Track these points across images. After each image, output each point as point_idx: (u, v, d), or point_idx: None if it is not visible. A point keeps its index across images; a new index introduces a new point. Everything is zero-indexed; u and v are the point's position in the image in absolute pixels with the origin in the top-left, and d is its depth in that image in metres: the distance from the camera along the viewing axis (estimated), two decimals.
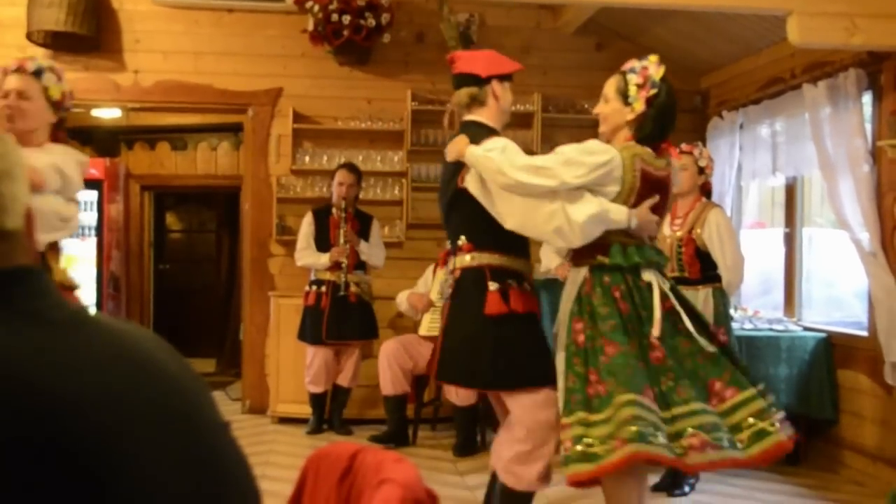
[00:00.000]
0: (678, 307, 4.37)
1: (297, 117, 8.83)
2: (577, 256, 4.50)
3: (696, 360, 4.29)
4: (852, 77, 6.58)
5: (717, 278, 6.40)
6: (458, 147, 4.55)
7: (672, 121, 4.50)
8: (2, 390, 1.07)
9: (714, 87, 9.08)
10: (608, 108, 4.56)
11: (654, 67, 4.50)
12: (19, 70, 4.28)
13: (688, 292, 6.33)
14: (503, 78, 4.82)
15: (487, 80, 4.77)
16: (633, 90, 4.45)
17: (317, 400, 8.18)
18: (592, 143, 4.39)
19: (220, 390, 10.27)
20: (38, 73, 4.28)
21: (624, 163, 4.31)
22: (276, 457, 7.07)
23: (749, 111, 8.18)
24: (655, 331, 4.26)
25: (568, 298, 4.52)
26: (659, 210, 4.40)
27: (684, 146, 6.51)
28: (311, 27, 8.52)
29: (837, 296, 8.13)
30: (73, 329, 1.21)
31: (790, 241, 7.91)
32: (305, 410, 8.26)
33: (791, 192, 7.95)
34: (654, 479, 6.59)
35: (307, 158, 8.87)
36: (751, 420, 4.21)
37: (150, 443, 1.16)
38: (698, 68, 9.12)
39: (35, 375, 1.10)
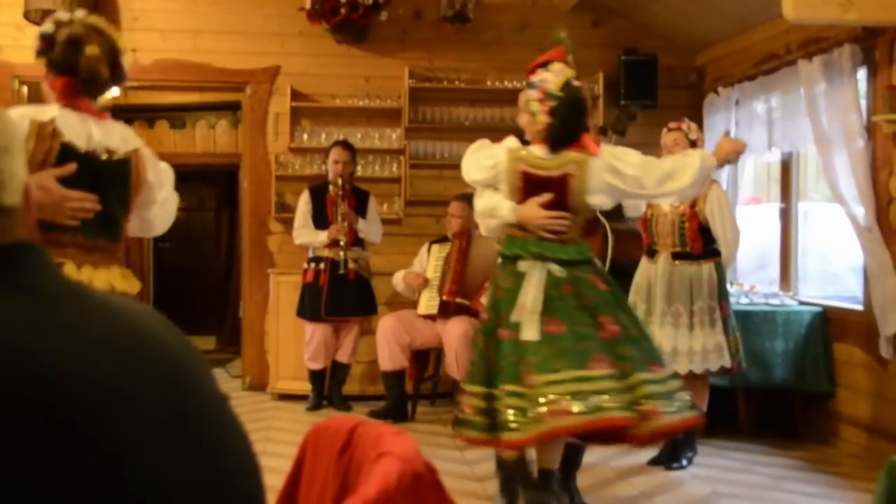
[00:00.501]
0: (572, 294, 4.75)
1: (295, 95, 8.85)
2: None
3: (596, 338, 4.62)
4: (847, 52, 6.60)
5: (717, 252, 6.46)
6: None
7: (578, 122, 4.90)
8: (0, 360, 1.08)
9: (710, 64, 9.09)
10: (522, 120, 5.01)
11: (553, 79, 4.83)
12: None
13: (691, 267, 6.42)
14: None
15: None
16: (534, 106, 4.85)
17: (316, 376, 8.23)
18: (486, 150, 4.99)
19: (220, 367, 10.32)
20: None
21: (507, 166, 4.83)
22: (276, 433, 7.12)
23: (745, 87, 8.19)
24: (514, 315, 4.65)
25: None
26: (555, 206, 4.78)
27: (672, 123, 6.56)
28: (308, 5, 8.54)
29: (833, 270, 8.16)
30: (71, 303, 1.22)
31: (786, 216, 7.94)
32: (305, 387, 8.31)
33: (786, 167, 7.98)
34: (651, 452, 6.66)
35: (305, 136, 8.90)
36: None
37: (148, 415, 1.17)
38: (694, 45, 9.13)
39: (34, 346, 1.10)
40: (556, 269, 4.76)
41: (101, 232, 3.80)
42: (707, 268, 6.45)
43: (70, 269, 3.62)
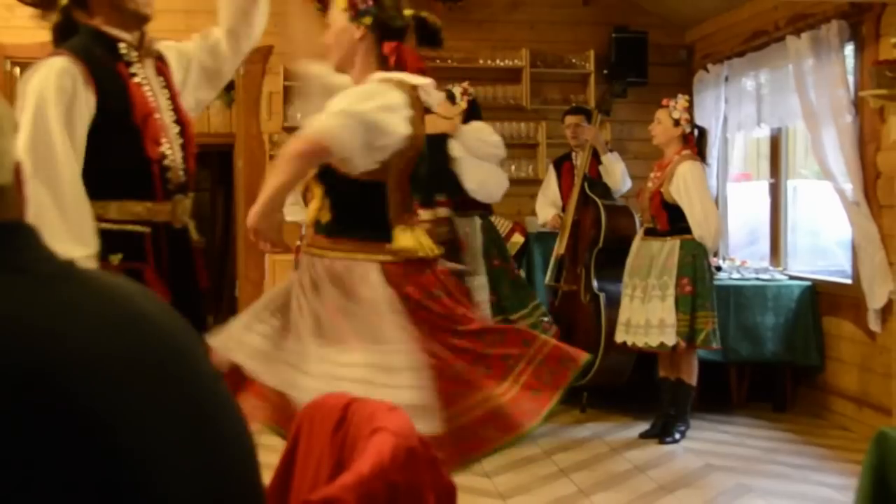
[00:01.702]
0: None
1: (289, 75, 8.86)
2: None
3: None
4: (834, 28, 6.63)
5: (688, 230, 6.42)
6: None
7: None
8: None
9: (699, 41, 9.12)
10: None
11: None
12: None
13: (655, 243, 6.47)
14: None
15: None
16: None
17: None
18: None
19: None
20: None
21: None
22: None
23: (734, 64, 8.23)
24: None
25: None
26: None
27: (663, 100, 6.61)
28: None
29: (822, 245, 8.23)
30: (64, 282, 1.20)
31: (775, 191, 7.98)
32: None
33: (776, 143, 8.01)
34: (643, 426, 6.74)
35: (299, 116, 8.91)
36: None
37: (144, 392, 1.16)
38: (683, 22, 9.15)
39: (28, 324, 1.10)
40: None
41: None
42: (670, 245, 6.45)
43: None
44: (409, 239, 3.33)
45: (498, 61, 8.93)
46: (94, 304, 1.21)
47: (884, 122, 6.37)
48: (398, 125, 3.26)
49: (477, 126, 6.61)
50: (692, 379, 6.55)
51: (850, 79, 6.68)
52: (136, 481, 1.09)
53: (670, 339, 6.32)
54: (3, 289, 1.13)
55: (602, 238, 7.28)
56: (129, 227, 3.14)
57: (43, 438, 1.03)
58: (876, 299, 6.39)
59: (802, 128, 7.37)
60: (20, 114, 2.96)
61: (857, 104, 6.60)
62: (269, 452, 2.00)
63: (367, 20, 3.43)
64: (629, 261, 6.68)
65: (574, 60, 9.13)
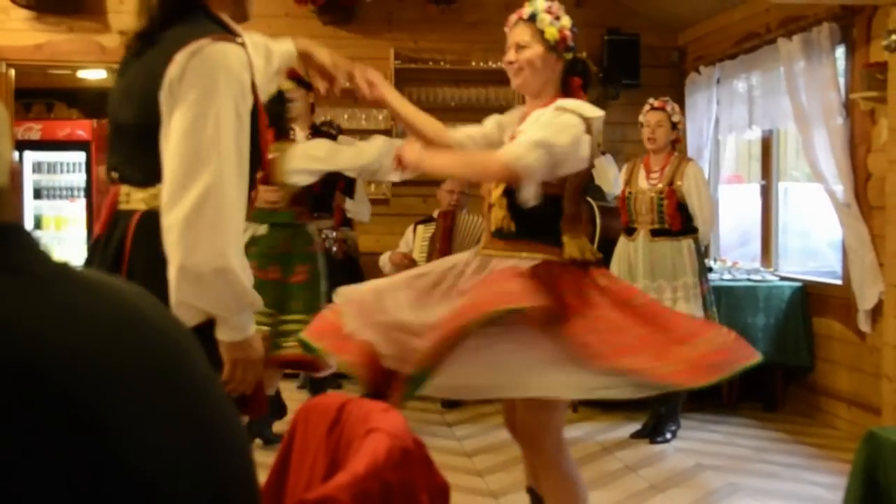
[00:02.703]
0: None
1: (288, 71, 8.90)
2: None
3: None
4: (826, 31, 6.67)
5: (695, 229, 6.54)
6: None
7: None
8: None
9: (691, 43, 9.16)
10: None
11: None
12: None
13: (670, 243, 6.49)
14: None
15: None
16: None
17: None
18: None
19: None
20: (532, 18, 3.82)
21: None
22: None
23: (725, 66, 8.25)
24: None
25: None
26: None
27: (656, 102, 6.62)
28: None
29: (812, 246, 8.28)
30: (60, 283, 1.20)
31: (766, 193, 8.02)
32: None
33: (767, 145, 8.05)
34: (635, 426, 6.77)
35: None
36: None
37: (140, 391, 1.16)
38: (676, 24, 9.19)
39: (26, 325, 1.10)
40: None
41: None
42: (686, 244, 6.53)
43: None
44: (575, 247, 3.71)
45: (490, 63, 8.95)
46: (91, 304, 1.21)
47: (874, 124, 6.41)
48: (582, 156, 3.68)
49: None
50: None
51: (841, 81, 6.71)
52: (131, 480, 1.09)
53: None
54: (0, 290, 1.13)
55: (596, 239, 7.31)
56: None
57: (38, 439, 1.03)
58: (866, 300, 6.43)
59: (793, 130, 7.41)
60: (193, 99, 2.53)
61: (848, 106, 6.63)
62: (265, 452, 2.02)
63: (569, 55, 3.81)
64: (637, 263, 6.68)
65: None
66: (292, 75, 5.85)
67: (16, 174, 1.27)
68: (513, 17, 3.85)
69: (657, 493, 5.50)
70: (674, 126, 6.55)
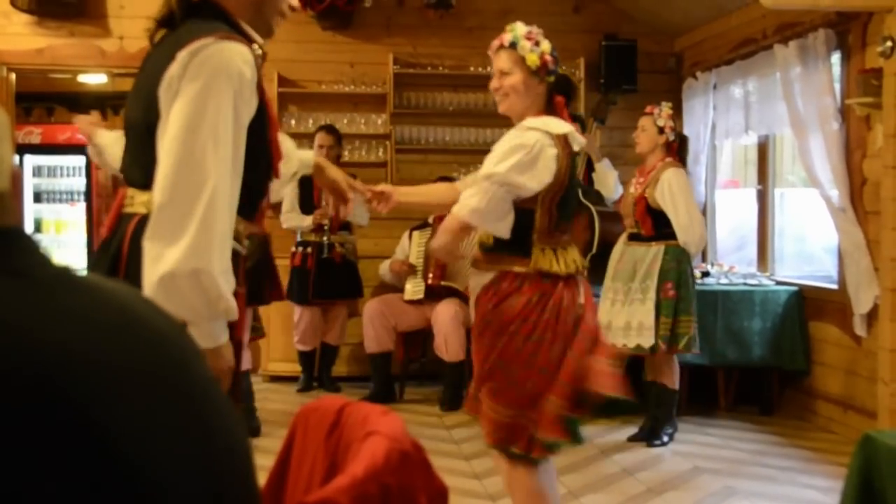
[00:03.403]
0: None
1: (282, 81, 8.94)
2: None
3: None
4: (821, 37, 6.70)
5: (673, 236, 6.48)
6: None
7: None
8: None
9: (688, 49, 9.19)
10: None
11: None
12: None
13: (640, 248, 6.53)
14: None
15: None
16: None
17: (306, 358, 8.35)
18: None
19: None
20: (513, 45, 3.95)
21: None
22: (268, 414, 7.15)
23: (722, 72, 8.30)
24: None
25: None
26: None
27: (649, 108, 6.67)
28: None
29: (808, 251, 8.30)
30: (62, 286, 1.20)
31: (763, 198, 8.04)
32: (295, 368, 8.42)
33: (763, 150, 8.08)
34: (632, 429, 6.80)
35: (293, 122, 8.97)
36: None
37: (141, 395, 1.16)
38: (672, 30, 9.23)
39: (27, 327, 1.10)
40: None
41: None
42: (655, 250, 6.51)
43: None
44: (545, 259, 3.84)
45: (488, 68, 8.92)
46: (92, 308, 1.21)
47: (870, 129, 6.44)
48: (543, 171, 3.79)
49: None
50: (674, 383, 6.61)
51: (837, 87, 6.74)
52: (130, 483, 1.09)
53: (647, 342, 6.39)
54: (1, 293, 1.13)
55: (595, 244, 7.34)
56: (233, 246, 2.72)
57: (37, 441, 1.03)
58: (862, 304, 6.46)
59: (790, 135, 7.42)
60: (190, 97, 2.51)
61: (844, 112, 6.66)
62: (265, 454, 2.01)
63: (551, 78, 3.96)
64: (611, 265, 6.73)
65: (564, 68, 9.16)
66: None
67: (16, 178, 1.27)
68: (495, 44, 4.00)
69: (654, 496, 5.52)
70: (660, 130, 6.56)
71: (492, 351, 3.86)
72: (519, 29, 3.95)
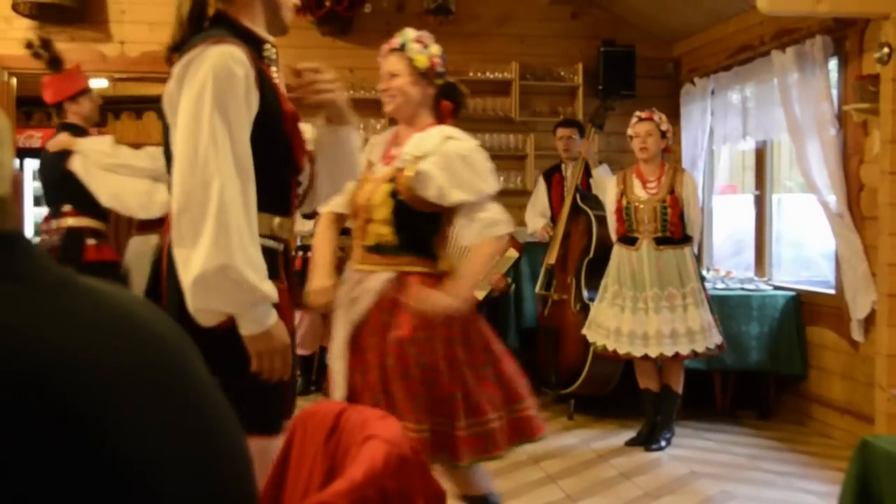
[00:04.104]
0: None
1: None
2: None
3: None
4: (819, 43, 6.71)
5: (690, 237, 6.63)
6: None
7: None
8: None
9: (686, 55, 9.22)
10: None
11: None
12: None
13: (674, 251, 6.54)
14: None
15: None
16: None
17: (305, 362, 8.37)
18: None
19: None
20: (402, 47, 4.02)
21: None
22: None
23: (720, 77, 8.32)
24: None
25: None
26: None
27: (643, 114, 6.68)
28: None
29: (806, 256, 8.31)
30: (63, 291, 1.20)
31: (760, 203, 8.06)
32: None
33: (761, 155, 8.10)
34: (630, 433, 6.82)
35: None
36: None
37: (141, 399, 1.16)
38: (670, 36, 9.26)
39: (28, 332, 1.10)
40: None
41: None
42: (688, 251, 6.61)
43: None
44: (446, 263, 4.03)
45: (488, 74, 9.03)
46: (91, 311, 1.21)
47: (867, 135, 6.46)
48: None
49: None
50: (680, 387, 6.65)
51: (834, 93, 6.76)
52: (129, 486, 1.09)
53: (715, 340, 6.59)
54: (3, 297, 1.13)
55: (593, 248, 7.37)
56: (267, 243, 2.81)
57: (39, 446, 1.02)
58: (859, 309, 6.47)
59: (787, 141, 7.43)
60: (186, 105, 2.64)
61: (841, 118, 6.68)
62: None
63: (440, 81, 4.07)
64: (622, 271, 6.72)
65: (563, 73, 9.23)
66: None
67: (17, 183, 1.28)
68: (385, 48, 4.06)
69: (652, 500, 5.54)
70: (663, 135, 6.60)
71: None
72: (408, 33, 4.05)
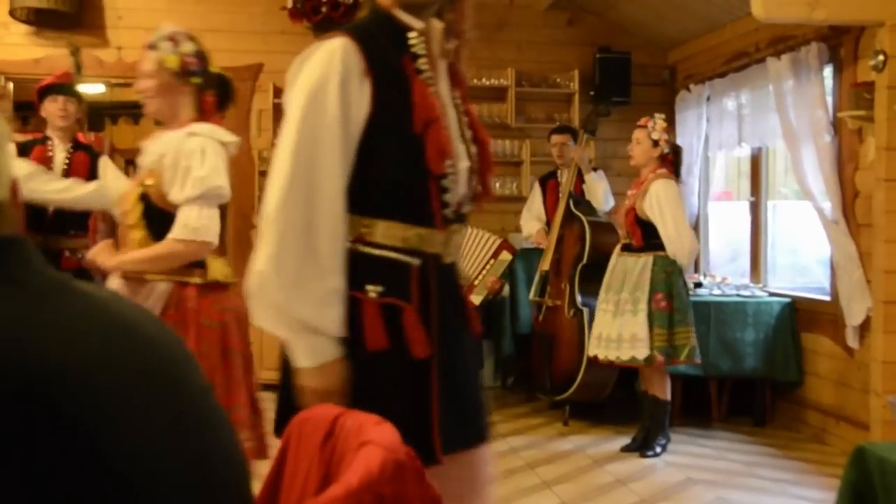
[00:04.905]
0: None
1: (278, 92, 8.91)
2: None
3: None
4: (814, 50, 6.74)
5: (661, 246, 6.50)
6: None
7: None
8: None
9: (681, 62, 9.24)
10: None
11: None
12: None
13: (631, 259, 6.56)
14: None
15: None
16: None
17: None
18: None
19: None
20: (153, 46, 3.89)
21: None
22: None
23: (715, 84, 8.33)
24: None
25: None
26: None
27: (642, 120, 6.69)
28: (290, 4, 8.64)
29: (801, 262, 8.32)
30: (59, 296, 1.20)
31: (755, 210, 8.08)
32: None
33: (756, 162, 8.11)
34: (625, 440, 6.82)
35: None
36: None
37: (134, 407, 1.16)
38: (666, 43, 9.28)
39: (23, 337, 1.10)
40: None
41: None
42: (644, 260, 6.55)
43: None
44: (218, 270, 4.03)
45: (484, 80, 9.04)
46: (84, 316, 1.21)
47: (862, 142, 6.48)
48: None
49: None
50: (665, 394, 6.62)
51: (829, 100, 6.78)
52: (121, 493, 1.09)
53: (641, 353, 6.42)
54: (1, 301, 1.13)
55: (586, 254, 7.39)
56: (395, 256, 2.55)
57: (27, 452, 1.02)
58: (854, 316, 6.49)
59: (782, 147, 7.45)
60: (289, 106, 2.52)
61: (836, 125, 6.70)
62: (258, 463, 1.99)
63: (197, 80, 3.93)
64: (606, 276, 6.77)
65: (558, 80, 9.25)
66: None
67: (15, 187, 1.33)
68: (144, 45, 3.94)
69: None
70: (655, 143, 6.59)
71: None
72: (163, 30, 3.91)
